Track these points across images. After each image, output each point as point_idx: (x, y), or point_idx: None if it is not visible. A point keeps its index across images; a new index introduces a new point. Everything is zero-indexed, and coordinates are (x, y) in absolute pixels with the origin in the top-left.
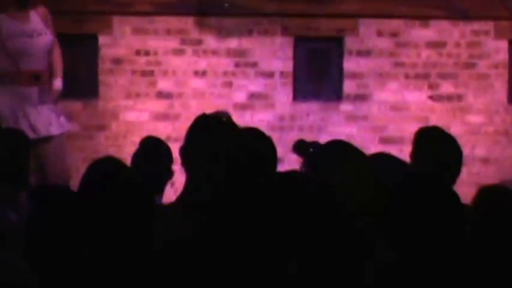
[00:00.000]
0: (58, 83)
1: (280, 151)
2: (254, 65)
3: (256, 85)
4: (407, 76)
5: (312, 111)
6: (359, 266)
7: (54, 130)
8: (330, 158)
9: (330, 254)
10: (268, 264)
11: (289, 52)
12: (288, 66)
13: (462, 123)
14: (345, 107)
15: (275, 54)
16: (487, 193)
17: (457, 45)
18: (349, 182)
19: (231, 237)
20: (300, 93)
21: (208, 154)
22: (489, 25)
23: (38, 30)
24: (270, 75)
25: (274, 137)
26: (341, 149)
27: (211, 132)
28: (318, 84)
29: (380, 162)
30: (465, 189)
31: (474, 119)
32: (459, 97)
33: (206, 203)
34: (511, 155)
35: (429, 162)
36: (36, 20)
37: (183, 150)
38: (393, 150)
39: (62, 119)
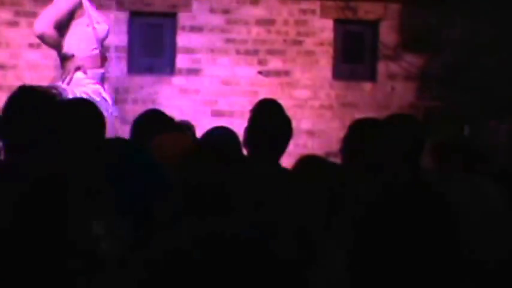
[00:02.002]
0: None
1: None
2: None
3: None
4: (238, 52)
5: (145, 84)
6: None
7: None
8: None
9: None
10: None
11: (124, 27)
12: (123, 40)
13: (289, 97)
14: (178, 80)
15: (110, 29)
16: (304, 161)
17: (286, 23)
18: None
19: None
20: (134, 67)
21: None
22: (316, 4)
23: (98, 17)
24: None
25: None
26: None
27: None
28: (151, 59)
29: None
30: (292, 159)
31: (301, 93)
32: (287, 72)
33: None
34: (334, 128)
35: (264, 133)
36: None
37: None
38: (224, 123)
39: None
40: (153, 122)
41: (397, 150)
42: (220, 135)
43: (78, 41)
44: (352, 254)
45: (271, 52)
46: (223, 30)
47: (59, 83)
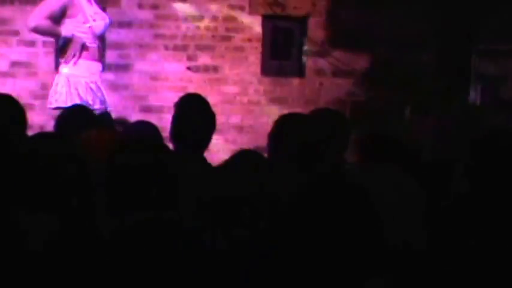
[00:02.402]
0: None
1: (42, 119)
2: (16, 33)
3: (18, 54)
4: (166, 47)
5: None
6: None
7: None
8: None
9: None
10: None
11: None
12: None
13: (218, 93)
14: (107, 76)
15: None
16: (239, 155)
17: (215, 19)
18: None
19: None
20: None
21: None
22: (244, 1)
23: (97, 14)
24: (32, 44)
25: (37, 104)
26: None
27: None
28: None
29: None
30: (222, 155)
31: (229, 89)
32: (216, 68)
33: None
34: (263, 123)
35: (187, 127)
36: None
37: None
38: (153, 119)
39: None
40: (77, 117)
41: (321, 144)
42: (141, 129)
43: (77, 31)
44: (276, 245)
45: (200, 48)
46: (152, 26)
47: (62, 65)
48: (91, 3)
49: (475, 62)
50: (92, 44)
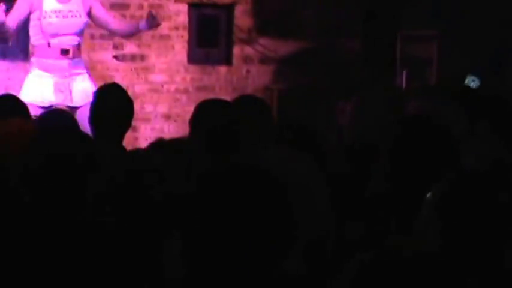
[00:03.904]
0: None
1: None
2: None
3: None
4: (92, 37)
5: (0, 70)
6: None
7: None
8: None
9: None
10: None
11: None
12: None
13: (145, 81)
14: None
15: None
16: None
17: (140, 7)
18: None
19: None
20: None
21: None
22: None
23: (74, 12)
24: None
25: None
26: None
27: None
28: (3, 44)
29: None
30: (149, 142)
31: (156, 78)
32: (142, 57)
33: None
34: (190, 111)
35: (104, 114)
36: (76, 0)
37: None
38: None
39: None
40: (6, 107)
41: (233, 130)
42: (57, 118)
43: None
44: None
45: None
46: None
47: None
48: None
49: (400, 47)
50: (41, 41)
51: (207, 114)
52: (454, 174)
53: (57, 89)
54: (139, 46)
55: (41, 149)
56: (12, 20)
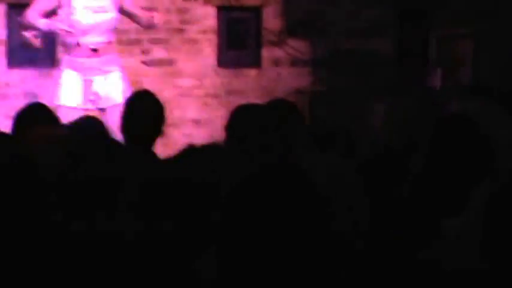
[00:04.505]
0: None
1: None
2: None
3: None
4: (120, 42)
5: (27, 78)
6: None
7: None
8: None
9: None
10: None
11: (2, 20)
12: (1, 33)
13: (174, 86)
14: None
15: None
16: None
17: (168, 11)
18: None
19: None
20: (14, 60)
21: None
22: None
23: (105, 8)
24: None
25: None
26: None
27: None
28: (32, 52)
29: None
30: (179, 149)
31: (185, 82)
32: (170, 61)
33: None
34: (221, 116)
35: (138, 122)
36: None
37: None
38: None
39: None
40: (35, 115)
41: (269, 134)
42: (88, 126)
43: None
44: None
45: (154, 41)
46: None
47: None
48: None
49: (434, 47)
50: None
51: (244, 119)
52: (506, 178)
53: (86, 90)
54: (167, 50)
55: (73, 171)
56: (34, 14)
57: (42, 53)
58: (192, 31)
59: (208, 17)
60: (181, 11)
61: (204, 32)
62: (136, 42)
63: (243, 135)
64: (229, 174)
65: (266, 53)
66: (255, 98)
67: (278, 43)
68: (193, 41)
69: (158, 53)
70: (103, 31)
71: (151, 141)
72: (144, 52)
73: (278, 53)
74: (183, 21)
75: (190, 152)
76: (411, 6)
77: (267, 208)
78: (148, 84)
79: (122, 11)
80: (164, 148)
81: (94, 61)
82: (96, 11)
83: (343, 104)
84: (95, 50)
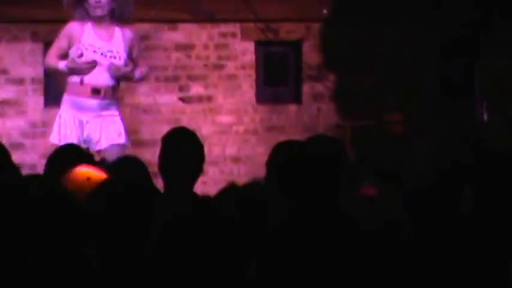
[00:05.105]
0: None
1: (33, 158)
2: (4, 72)
3: (7, 92)
4: (157, 79)
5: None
6: None
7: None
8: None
9: None
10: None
11: (39, 58)
12: (39, 72)
13: (213, 123)
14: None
15: (25, 61)
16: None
17: (206, 47)
18: None
19: None
20: (51, 99)
21: None
22: (236, 27)
23: (114, 53)
24: (20, 81)
25: (27, 143)
26: None
27: None
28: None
29: None
30: (218, 187)
31: (224, 119)
32: (209, 98)
33: None
34: (260, 153)
35: (175, 161)
36: (118, 41)
37: None
38: (147, 154)
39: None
40: (68, 156)
41: (317, 172)
42: (128, 168)
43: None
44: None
45: (192, 78)
46: (142, 57)
47: None
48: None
49: (479, 78)
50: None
51: (285, 156)
52: None
53: (81, 131)
54: (205, 87)
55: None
56: (53, 58)
57: None
58: (230, 67)
59: (246, 52)
60: (219, 46)
61: (243, 67)
62: (174, 79)
63: (284, 172)
64: (271, 212)
65: (306, 88)
66: (295, 134)
67: (318, 78)
68: (232, 77)
69: (196, 89)
70: (109, 75)
71: (192, 180)
72: (182, 89)
73: (318, 87)
74: (221, 57)
75: (232, 190)
76: (455, 37)
77: (306, 248)
78: (187, 122)
79: (130, 58)
80: (203, 186)
81: (93, 103)
82: (105, 54)
83: (384, 138)
84: (97, 92)
